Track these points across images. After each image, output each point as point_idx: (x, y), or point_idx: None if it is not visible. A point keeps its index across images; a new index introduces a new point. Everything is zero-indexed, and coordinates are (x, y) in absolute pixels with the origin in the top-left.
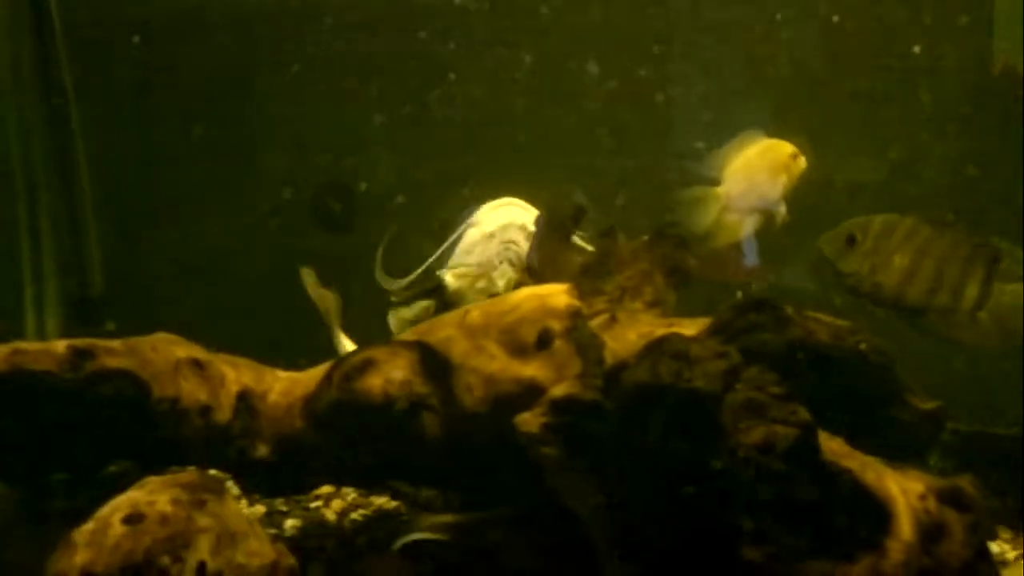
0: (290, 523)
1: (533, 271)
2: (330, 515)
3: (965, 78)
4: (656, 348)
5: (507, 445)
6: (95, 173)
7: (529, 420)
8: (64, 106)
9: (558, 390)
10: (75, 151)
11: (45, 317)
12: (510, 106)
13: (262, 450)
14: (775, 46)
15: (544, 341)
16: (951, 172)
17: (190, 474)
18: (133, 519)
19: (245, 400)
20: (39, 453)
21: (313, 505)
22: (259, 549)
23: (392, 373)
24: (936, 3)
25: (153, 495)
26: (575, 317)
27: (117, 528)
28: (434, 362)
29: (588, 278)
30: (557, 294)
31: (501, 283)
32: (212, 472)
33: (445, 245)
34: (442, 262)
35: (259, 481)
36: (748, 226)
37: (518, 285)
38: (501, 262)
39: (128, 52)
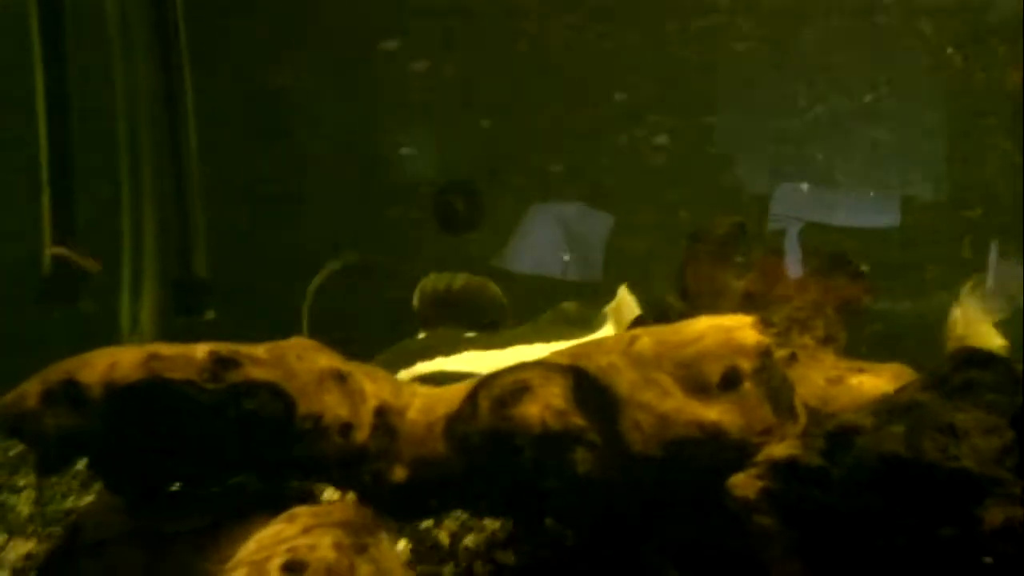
0: (402, 545)
1: (687, 294)
2: (443, 537)
3: None
4: (904, 412)
5: (674, 495)
6: (204, 149)
7: (745, 483)
8: (176, 75)
9: (778, 450)
10: (185, 123)
11: (141, 300)
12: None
13: (399, 474)
14: None
15: (731, 381)
16: None
17: (343, 508)
18: (294, 568)
19: (383, 417)
20: (162, 467)
21: (423, 525)
22: None
23: (549, 400)
24: None
25: (312, 537)
26: (765, 356)
27: None
28: (593, 392)
29: (751, 307)
30: (743, 328)
31: None
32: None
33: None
34: None
35: (391, 506)
36: None
37: None
38: None
39: (245, 23)
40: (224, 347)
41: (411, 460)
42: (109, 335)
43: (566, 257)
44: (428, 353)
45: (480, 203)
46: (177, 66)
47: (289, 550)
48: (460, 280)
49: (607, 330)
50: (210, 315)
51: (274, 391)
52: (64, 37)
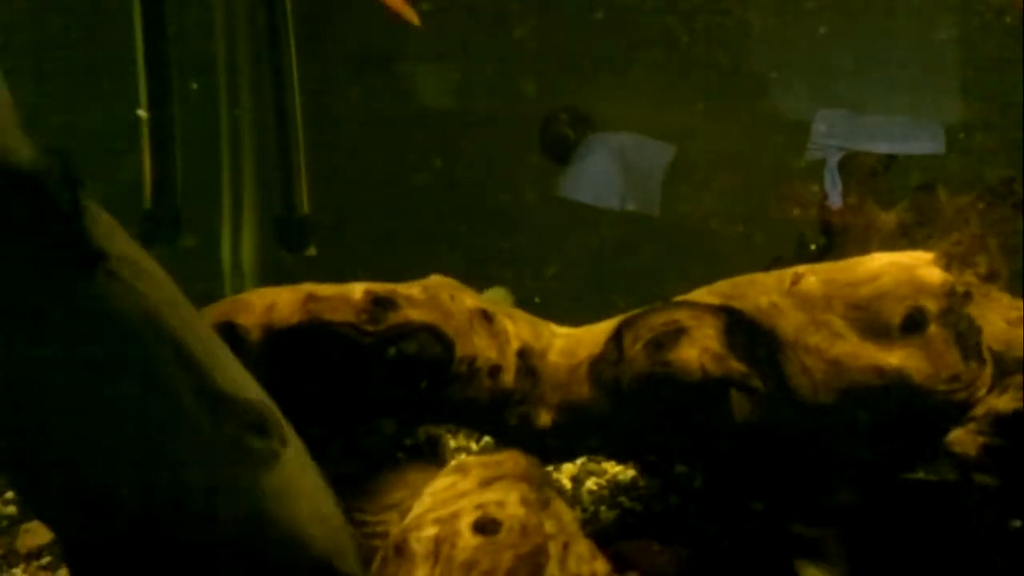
0: None
1: (833, 228)
2: (564, 481)
3: None
4: None
5: (850, 447)
6: (305, 86)
7: (964, 439)
8: (279, 7)
9: (1002, 403)
10: (286, 60)
11: (242, 236)
12: None
13: (544, 418)
14: None
15: (915, 323)
16: None
17: (513, 458)
18: (486, 527)
19: (525, 359)
20: (310, 413)
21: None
22: (586, 553)
23: (706, 343)
24: None
25: (497, 492)
26: (951, 296)
27: (468, 538)
28: (751, 334)
29: (905, 242)
30: (925, 265)
31: None
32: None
33: None
34: None
35: (537, 451)
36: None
37: None
38: None
39: None
40: (380, 287)
41: (556, 403)
42: (210, 271)
43: (622, 188)
44: None
45: (591, 129)
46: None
47: (478, 507)
48: None
49: None
50: (311, 251)
51: (434, 333)
52: None
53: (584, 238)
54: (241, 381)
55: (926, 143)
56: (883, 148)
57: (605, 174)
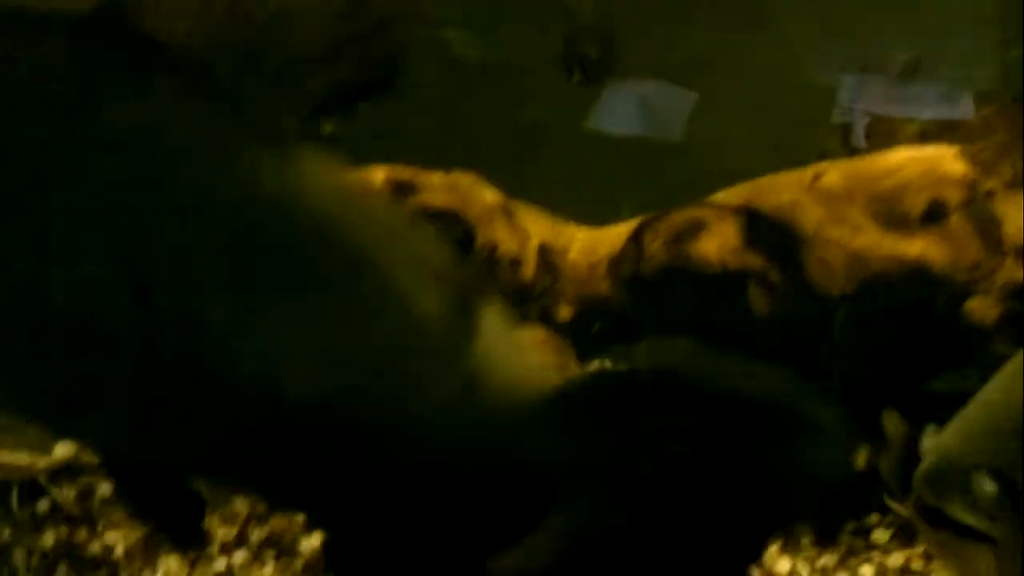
0: None
1: (858, 136)
2: None
3: None
4: None
5: (867, 336)
6: None
7: (981, 308)
8: None
9: (1020, 272)
10: None
11: None
12: None
13: (565, 311)
14: None
15: (935, 214)
16: None
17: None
18: None
19: (545, 255)
20: None
21: None
22: None
23: (726, 238)
24: None
25: None
26: (972, 188)
27: None
28: (771, 230)
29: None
30: (948, 158)
31: None
32: None
33: None
34: None
35: None
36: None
37: None
38: None
39: None
40: (401, 172)
41: (575, 298)
42: None
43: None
44: None
45: (613, 47)
46: None
47: None
48: None
49: None
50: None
51: (455, 218)
52: None
53: (606, 161)
54: (446, 250)
55: (953, 109)
56: (910, 113)
57: (626, 124)
